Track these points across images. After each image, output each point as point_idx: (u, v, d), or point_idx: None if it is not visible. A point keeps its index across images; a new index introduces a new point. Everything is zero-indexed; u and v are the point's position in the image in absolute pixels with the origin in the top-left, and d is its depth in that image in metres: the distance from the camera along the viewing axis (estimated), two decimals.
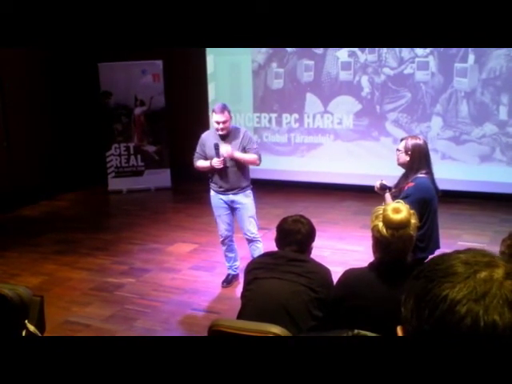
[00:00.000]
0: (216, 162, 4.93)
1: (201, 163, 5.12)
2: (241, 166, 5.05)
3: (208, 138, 5.11)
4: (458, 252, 1.00)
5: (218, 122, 4.92)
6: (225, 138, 5.01)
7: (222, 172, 5.03)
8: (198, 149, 5.16)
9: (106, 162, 9.05)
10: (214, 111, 4.99)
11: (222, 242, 5.30)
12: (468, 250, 0.99)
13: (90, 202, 8.72)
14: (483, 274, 0.92)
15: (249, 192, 5.16)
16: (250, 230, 5.14)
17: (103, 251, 6.42)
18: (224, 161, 4.95)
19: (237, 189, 5.08)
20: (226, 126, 4.95)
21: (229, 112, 4.98)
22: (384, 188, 4.10)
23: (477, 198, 7.57)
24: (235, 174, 5.05)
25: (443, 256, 1.00)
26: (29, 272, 5.86)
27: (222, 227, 5.22)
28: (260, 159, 5.07)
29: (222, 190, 5.10)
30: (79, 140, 9.45)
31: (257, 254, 4.93)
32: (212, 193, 5.21)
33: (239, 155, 4.97)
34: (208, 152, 5.04)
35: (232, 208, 5.16)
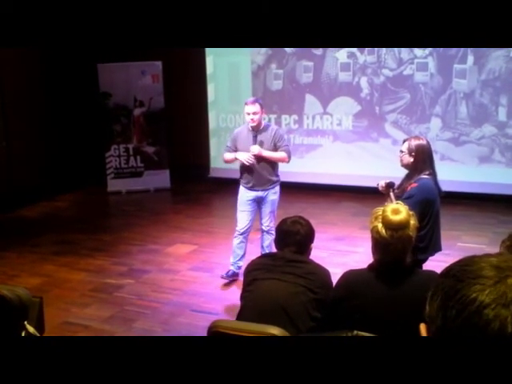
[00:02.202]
0: (246, 158, 5.08)
1: (227, 155, 5.30)
2: (271, 163, 5.21)
3: (241, 132, 5.30)
4: (488, 255, 1.00)
5: (249, 113, 5.09)
6: (257, 132, 5.14)
7: (253, 168, 5.16)
8: (229, 143, 5.35)
9: (105, 162, 9.05)
10: (245, 103, 5.18)
11: (237, 237, 5.35)
12: (499, 254, 1.00)
13: (89, 203, 8.72)
14: None
15: (277, 188, 5.32)
16: (267, 223, 5.29)
17: (102, 252, 6.42)
18: (256, 156, 5.10)
19: (266, 185, 5.22)
20: (257, 118, 5.10)
21: (261, 106, 5.15)
22: (390, 186, 4.06)
23: (476, 199, 7.57)
24: (266, 170, 5.19)
25: (473, 258, 1.00)
26: (28, 273, 5.85)
27: (243, 223, 5.31)
28: (290, 157, 5.24)
29: (250, 186, 5.23)
30: (78, 141, 9.44)
31: (266, 243, 5.26)
32: (241, 189, 5.33)
33: (267, 153, 5.12)
34: (240, 146, 5.21)
35: (258, 203, 5.30)
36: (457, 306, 0.93)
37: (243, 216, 5.31)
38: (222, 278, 5.35)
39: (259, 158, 5.12)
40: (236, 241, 5.36)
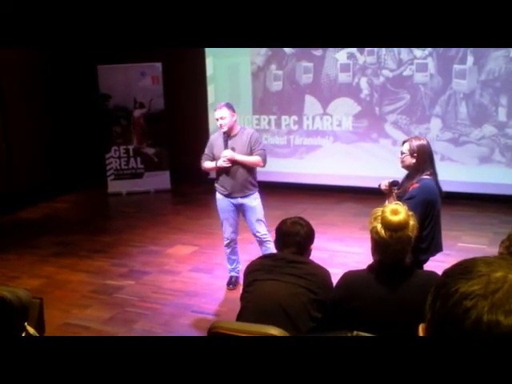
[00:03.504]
0: (221, 162, 4.95)
1: (207, 164, 5.13)
2: (247, 168, 5.03)
3: (216, 138, 5.14)
4: (487, 256, 1.00)
5: (217, 119, 4.94)
6: (231, 137, 5.00)
7: (228, 174, 5.02)
8: (207, 150, 5.17)
9: (105, 164, 9.05)
10: (214, 109, 5.03)
11: (227, 245, 5.28)
12: (498, 256, 1.00)
13: (89, 205, 8.72)
14: (499, 274, 0.92)
15: (256, 194, 5.14)
16: (259, 231, 5.13)
17: (103, 253, 6.42)
18: (230, 161, 4.95)
19: (244, 191, 5.05)
20: (226, 123, 4.91)
21: (230, 109, 4.95)
22: (394, 185, 4.03)
23: (476, 199, 7.56)
24: (242, 175, 5.02)
25: (472, 258, 1.01)
26: (28, 274, 5.85)
27: (229, 230, 5.20)
28: (265, 161, 5.05)
29: (228, 193, 5.08)
30: (78, 142, 9.45)
31: (268, 252, 5.03)
32: (219, 196, 5.17)
33: (241, 157, 4.96)
34: (216, 152, 5.05)
35: (240, 210, 5.16)
36: (442, 298, 0.95)
37: (227, 224, 5.19)
38: (230, 289, 5.29)
39: (233, 163, 4.96)
40: (227, 249, 5.30)
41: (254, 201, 5.12)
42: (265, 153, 5.08)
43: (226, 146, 4.96)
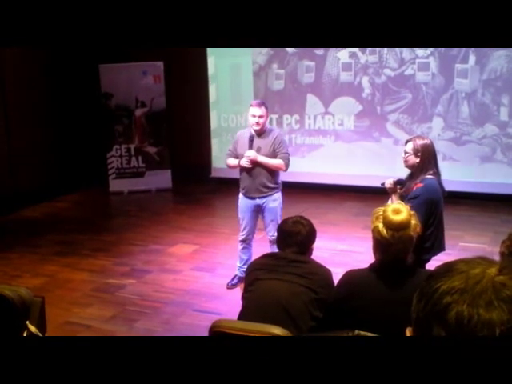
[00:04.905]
0: (244, 162, 4.93)
1: (230, 161, 5.12)
2: (268, 170, 5.00)
3: (242, 135, 5.11)
4: (468, 258, 1.03)
5: (254, 116, 4.89)
6: (259, 136, 4.98)
7: (249, 173, 5.01)
8: (231, 146, 5.18)
9: (106, 163, 9.06)
10: (251, 105, 4.99)
11: (240, 242, 5.27)
12: (478, 256, 1.03)
13: (90, 204, 8.72)
14: (477, 270, 0.96)
15: (277, 195, 5.10)
16: (271, 232, 5.07)
17: (104, 252, 6.42)
18: (252, 162, 4.93)
19: (263, 192, 5.03)
20: (262, 122, 4.91)
21: (266, 109, 4.96)
22: (399, 183, 4.02)
23: (477, 198, 7.56)
24: (261, 177, 5.00)
25: (453, 260, 1.04)
26: (30, 273, 5.86)
27: (242, 231, 5.21)
28: (287, 165, 5.00)
29: (245, 192, 5.08)
30: (80, 141, 9.46)
31: None
32: (240, 194, 5.17)
33: (263, 159, 4.93)
34: (239, 150, 5.04)
35: (258, 211, 5.14)
36: (425, 297, 0.99)
37: (242, 223, 5.19)
38: (229, 287, 5.29)
39: (255, 164, 4.95)
40: (239, 246, 5.30)
41: (273, 202, 5.08)
42: (288, 156, 5.03)
43: (250, 146, 4.94)
